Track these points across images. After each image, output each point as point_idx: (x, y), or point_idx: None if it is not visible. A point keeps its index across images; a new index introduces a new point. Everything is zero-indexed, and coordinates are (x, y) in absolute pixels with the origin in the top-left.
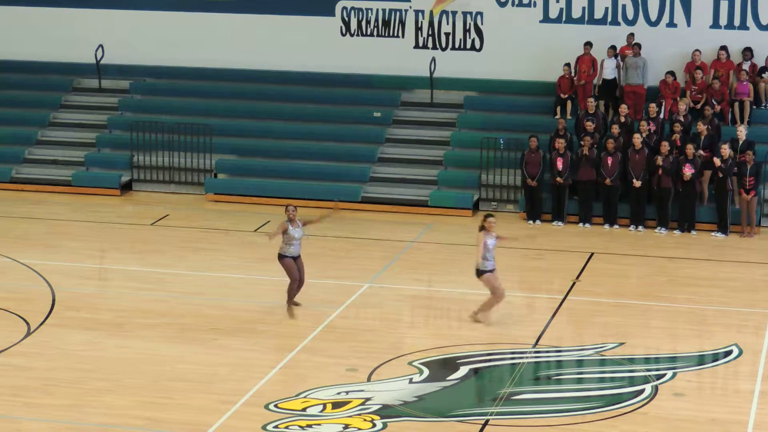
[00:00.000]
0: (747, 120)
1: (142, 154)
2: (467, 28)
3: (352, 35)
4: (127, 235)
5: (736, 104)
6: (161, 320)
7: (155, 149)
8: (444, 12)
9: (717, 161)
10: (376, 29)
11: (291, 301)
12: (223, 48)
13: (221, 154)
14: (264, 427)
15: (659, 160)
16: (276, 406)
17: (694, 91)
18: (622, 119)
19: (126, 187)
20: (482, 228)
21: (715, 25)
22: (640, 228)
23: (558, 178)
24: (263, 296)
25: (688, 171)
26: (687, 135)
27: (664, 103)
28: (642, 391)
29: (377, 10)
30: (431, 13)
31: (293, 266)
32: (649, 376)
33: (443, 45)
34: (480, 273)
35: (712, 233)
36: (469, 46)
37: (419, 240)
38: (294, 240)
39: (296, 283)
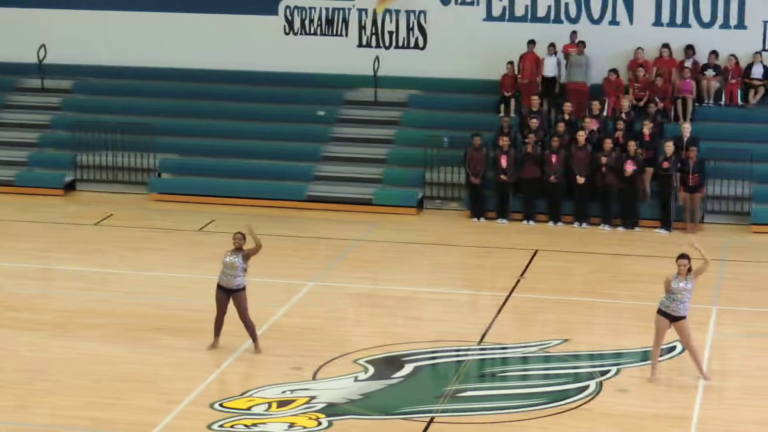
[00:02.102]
0: (690, 117)
1: (85, 154)
2: (411, 26)
3: (295, 34)
4: (71, 235)
5: (679, 101)
6: (105, 320)
7: (99, 149)
8: (387, 11)
9: (666, 164)
10: (319, 28)
11: (215, 335)
12: (166, 47)
13: (165, 154)
14: (209, 427)
15: (602, 158)
16: (221, 405)
17: (637, 88)
18: (566, 117)
19: (69, 187)
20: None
21: (658, 22)
22: (584, 225)
23: (502, 176)
24: (207, 296)
25: (629, 167)
26: (630, 132)
27: (607, 101)
28: (586, 387)
29: (320, 8)
30: (374, 11)
31: (217, 299)
32: (594, 372)
33: (387, 43)
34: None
35: (656, 230)
36: (412, 44)
37: (364, 238)
38: (225, 267)
39: (218, 317)
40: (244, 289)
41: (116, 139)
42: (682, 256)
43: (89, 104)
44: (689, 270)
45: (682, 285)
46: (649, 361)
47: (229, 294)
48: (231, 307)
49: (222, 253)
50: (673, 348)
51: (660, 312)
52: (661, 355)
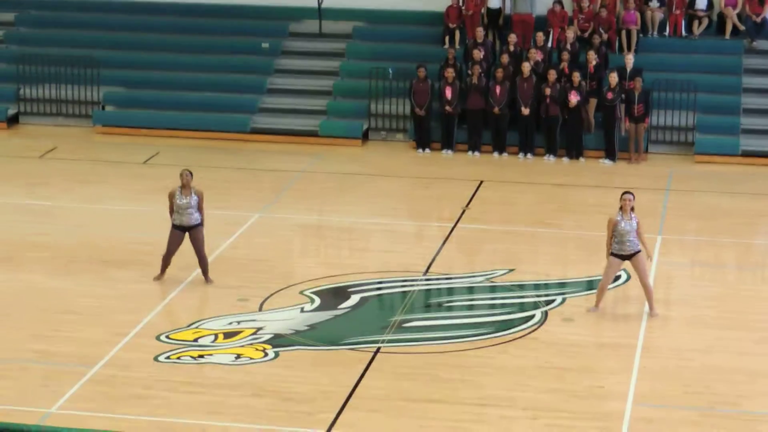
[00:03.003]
0: (634, 48)
1: (28, 87)
2: None
3: None
4: (15, 168)
5: (624, 33)
6: (50, 253)
7: (42, 82)
8: None
9: (610, 95)
10: None
11: (162, 271)
12: None
13: (109, 86)
14: (156, 358)
15: (547, 89)
16: (167, 337)
17: (582, 19)
18: (511, 48)
19: (13, 120)
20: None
21: None
22: (529, 156)
23: (447, 107)
24: (152, 228)
25: (573, 98)
26: (574, 63)
27: (552, 32)
28: (532, 316)
29: None
30: None
31: (172, 238)
32: (539, 301)
33: None
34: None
35: (600, 160)
36: None
37: (309, 170)
38: (180, 209)
39: (169, 256)
40: (201, 224)
41: (60, 71)
42: (627, 192)
43: (32, 37)
44: (632, 208)
45: (627, 227)
46: (594, 291)
47: (185, 231)
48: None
49: (167, 185)
50: (618, 277)
51: (613, 254)
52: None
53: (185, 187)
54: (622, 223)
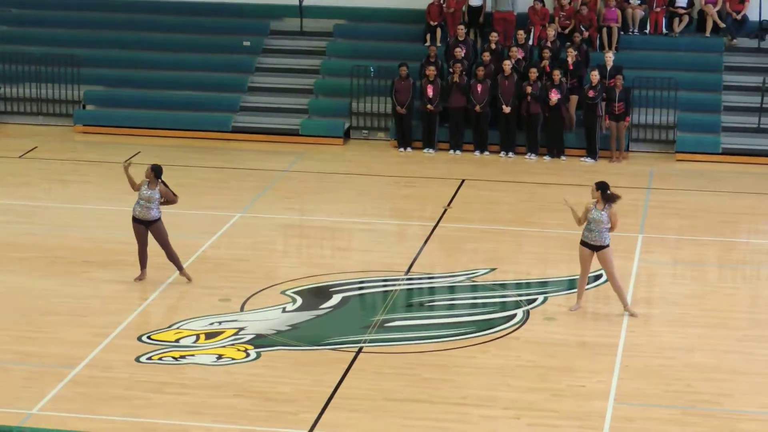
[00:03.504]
0: (615, 46)
1: (8, 86)
2: None
3: None
4: None
5: (604, 30)
6: (32, 254)
7: (22, 81)
8: None
9: (591, 93)
10: None
11: (141, 268)
12: None
13: (90, 85)
14: (137, 359)
15: (528, 87)
16: (149, 337)
17: (563, 17)
18: (493, 46)
19: None
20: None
21: None
22: (510, 154)
23: (428, 106)
24: None
25: (554, 96)
26: (555, 61)
27: (533, 30)
28: (513, 316)
29: None
30: None
31: (136, 231)
32: (521, 301)
33: None
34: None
35: (581, 158)
36: None
37: (291, 169)
38: (141, 199)
39: (142, 249)
40: (160, 219)
41: (40, 70)
42: (597, 182)
43: (12, 35)
44: (608, 202)
45: (596, 216)
46: (575, 290)
47: (147, 226)
48: (152, 238)
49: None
50: (599, 276)
51: (582, 242)
52: (588, 284)
53: (152, 182)
54: (594, 211)
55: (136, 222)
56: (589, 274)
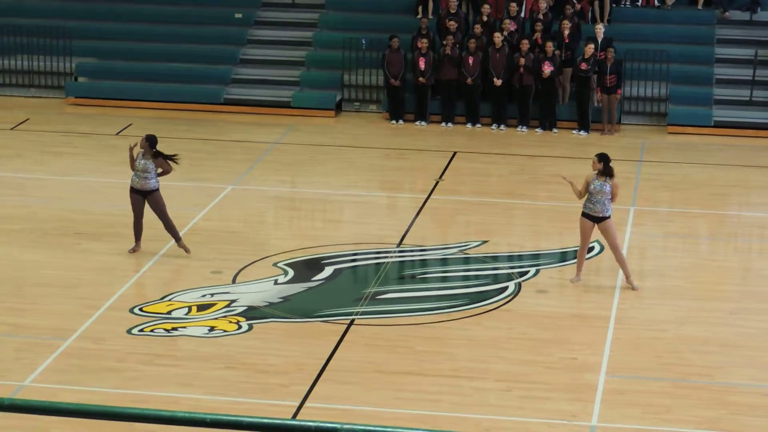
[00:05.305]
0: (607, 18)
1: (0, 58)
2: None
3: None
4: None
5: (596, 2)
6: (23, 225)
7: (14, 53)
8: None
9: (584, 65)
10: None
11: (136, 240)
12: None
13: (81, 57)
14: (129, 331)
15: (520, 59)
16: (141, 309)
17: None
18: (484, 18)
19: None
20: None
21: None
22: (502, 127)
23: (420, 78)
24: (126, 200)
25: (547, 68)
26: (547, 33)
27: (524, 2)
28: (506, 288)
29: None
30: None
31: (133, 202)
32: (513, 273)
33: None
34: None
35: (574, 131)
36: None
37: (282, 141)
38: (137, 170)
39: (137, 221)
40: (158, 190)
41: (32, 42)
42: (598, 153)
43: (4, 7)
44: (609, 174)
45: (598, 187)
46: (570, 261)
47: (144, 196)
48: (148, 210)
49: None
50: (591, 248)
51: (583, 214)
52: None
53: (146, 152)
54: (596, 182)
55: (133, 192)
56: None
